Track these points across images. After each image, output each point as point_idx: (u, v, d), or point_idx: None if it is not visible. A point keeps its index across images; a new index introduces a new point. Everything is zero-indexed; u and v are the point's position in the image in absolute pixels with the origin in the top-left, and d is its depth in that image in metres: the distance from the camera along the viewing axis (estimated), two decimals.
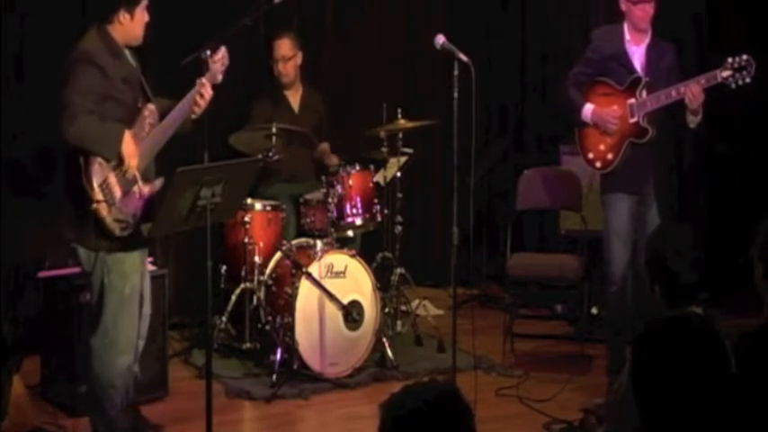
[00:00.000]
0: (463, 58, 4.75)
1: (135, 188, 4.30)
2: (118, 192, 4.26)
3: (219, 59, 4.50)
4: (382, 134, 6.12)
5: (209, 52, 4.52)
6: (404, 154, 6.23)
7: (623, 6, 5.27)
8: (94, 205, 4.21)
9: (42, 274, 5.22)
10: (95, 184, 4.22)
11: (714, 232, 5.98)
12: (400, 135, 6.13)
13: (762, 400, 2.35)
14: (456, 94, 4.75)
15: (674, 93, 5.15)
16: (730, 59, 5.09)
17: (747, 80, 5.08)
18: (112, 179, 4.26)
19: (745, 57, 5.07)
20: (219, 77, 4.51)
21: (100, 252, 4.31)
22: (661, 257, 3.37)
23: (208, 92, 4.44)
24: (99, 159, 4.23)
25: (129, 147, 4.27)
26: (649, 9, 5.22)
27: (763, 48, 6.66)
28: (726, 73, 5.08)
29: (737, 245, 3.35)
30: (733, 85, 5.10)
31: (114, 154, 4.25)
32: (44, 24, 5.94)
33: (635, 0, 5.20)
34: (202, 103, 4.45)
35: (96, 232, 4.26)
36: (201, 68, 4.74)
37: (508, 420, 5.04)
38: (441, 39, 4.86)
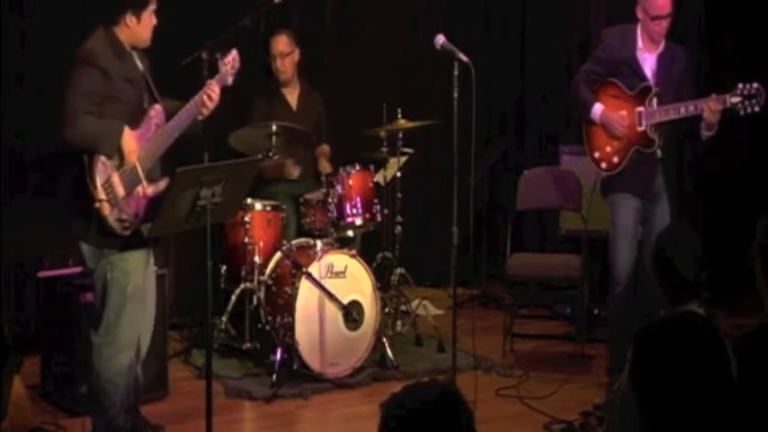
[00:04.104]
0: (463, 58, 4.75)
1: (138, 188, 4.31)
2: (121, 192, 4.28)
3: (230, 62, 4.52)
4: (382, 134, 6.12)
5: (219, 55, 4.56)
6: (404, 154, 6.23)
7: (639, 15, 5.23)
8: (97, 204, 4.23)
9: (42, 274, 5.22)
10: (98, 184, 4.23)
11: (714, 232, 5.98)
12: (400, 135, 6.13)
13: (762, 401, 2.35)
14: (456, 94, 4.75)
15: (682, 109, 5.13)
16: (740, 85, 5.06)
17: (756, 109, 5.06)
18: (116, 179, 4.27)
19: (755, 85, 5.05)
20: (230, 80, 4.52)
21: (104, 249, 4.32)
22: (663, 254, 3.38)
23: (216, 94, 4.45)
24: (102, 159, 4.25)
25: (130, 142, 4.29)
26: (665, 24, 5.20)
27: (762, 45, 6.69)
28: (735, 99, 5.05)
29: (737, 245, 3.35)
30: (741, 113, 5.08)
31: (113, 150, 4.26)
32: (44, 24, 5.94)
33: (652, 16, 5.16)
34: (210, 105, 4.45)
35: (100, 230, 4.27)
36: (201, 69, 4.76)
37: (508, 420, 5.04)
38: (441, 39, 4.86)
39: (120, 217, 4.27)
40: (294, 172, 6.20)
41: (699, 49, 6.60)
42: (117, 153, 4.27)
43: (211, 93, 4.43)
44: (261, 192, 6.07)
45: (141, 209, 4.31)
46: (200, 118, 4.49)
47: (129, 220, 4.30)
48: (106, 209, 4.24)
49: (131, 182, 4.30)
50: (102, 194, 4.23)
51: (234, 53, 4.55)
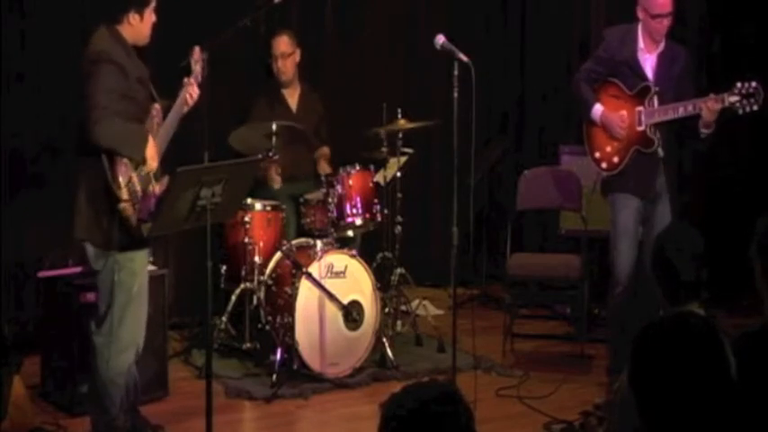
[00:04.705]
0: (463, 58, 4.75)
1: (150, 187, 4.33)
2: (140, 191, 4.30)
3: (197, 60, 4.64)
4: (382, 134, 6.12)
5: (190, 54, 4.68)
6: (404, 154, 6.23)
7: (640, 15, 5.22)
8: (122, 204, 4.24)
9: (42, 274, 5.22)
10: (122, 184, 4.24)
11: (714, 232, 5.98)
12: (400, 135, 6.13)
13: (762, 401, 2.35)
14: (456, 94, 4.75)
15: (681, 109, 5.13)
16: (739, 84, 5.05)
17: (755, 108, 5.04)
18: (135, 179, 4.30)
19: (754, 84, 5.03)
20: (200, 77, 4.63)
21: (111, 250, 4.33)
22: (663, 254, 3.37)
23: (196, 91, 4.56)
24: (124, 159, 4.26)
25: (152, 148, 4.35)
26: (666, 23, 5.19)
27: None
28: (733, 98, 5.04)
29: (737, 245, 3.35)
30: (740, 111, 5.07)
31: (141, 155, 4.31)
32: (44, 24, 5.94)
33: (653, 15, 5.15)
34: (191, 102, 4.56)
35: (118, 231, 4.28)
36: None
37: (508, 420, 5.04)
38: (441, 39, 4.86)
39: (140, 216, 4.30)
40: (276, 181, 6.11)
41: (698, 47, 6.60)
42: (142, 159, 4.31)
43: (191, 90, 4.54)
44: (261, 192, 6.07)
45: (153, 207, 4.34)
46: (181, 114, 4.58)
47: (146, 219, 4.32)
48: (129, 209, 4.26)
49: (144, 181, 4.34)
50: (125, 194, 4.25)
51: (197, 50, 4.66)
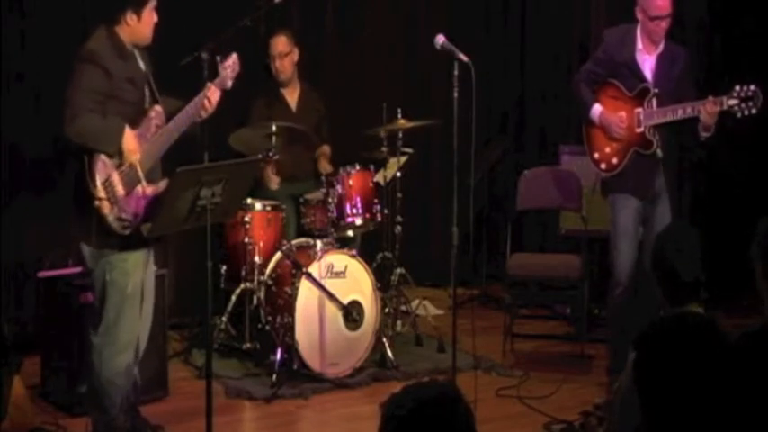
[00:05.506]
0: (463, 58, 4.75)
1: (138, 188, 4.31)
2: (120, 190, 4.28)
3: (230, 66, 4.57)
4: (382, 134, 6.12)
5: (219, 58, 4.60)
6: (404, 154, 6.23)
7: (639, 16, 5.21)
8: (97, 203, 4.23)
9: (42, 274, 5.22)
10: (98, 183, 4.24)
11: (714, 232, 5.97)
12: (400, 135, 6.13)
13: (762, 401, 2.35)
14: (456, 94, 4.75)
15: (680, 111, 5.13)
16: (737, 87, 5.04)
17: (753, 111, 5.03)
18: (115, 178, 4.28)
19: (752, 87, 5.02)
20: (229, 83, 4.58)
21: (103, 249, 4.32)
22: (663, 254, 3.38)
23: (215, 96, 4.50)
24: (102, 157, 4.26)
25: (130, 141, 4.30)
26: (665, 24, 5.18)
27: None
28: (732, 101, 5.03)
29: (737, 245, 3.35)
30: (738, 115, 5.06)
31: (115, 148, 4.28)
32: (44, 24, 5.94)
33: (652, 16, 5.15)
34: (210, 108, 4.51)
35: (99, 230, 4.28)
36: (201, 69, 4.76)
37: (508, 420, 5.04)
38: (441, 39, 4.86)
39: (119, 216, 4.28)
40: (273, 181, 6.10)
41: (698, 47, 6.60)
42: (117, 152, 4.29)
43: (211, 96, 4.48)
44: (261, 192, 6.07)
45: (141, 209, 4.32)
46: (198, 119, 4.53)
47: (129, 220, 4.30)
48: (106, 207, 4.25)
49: (131, 181, 4.31)
50: (101, 193, 4.24)
51: (234, 57, 4.60)
